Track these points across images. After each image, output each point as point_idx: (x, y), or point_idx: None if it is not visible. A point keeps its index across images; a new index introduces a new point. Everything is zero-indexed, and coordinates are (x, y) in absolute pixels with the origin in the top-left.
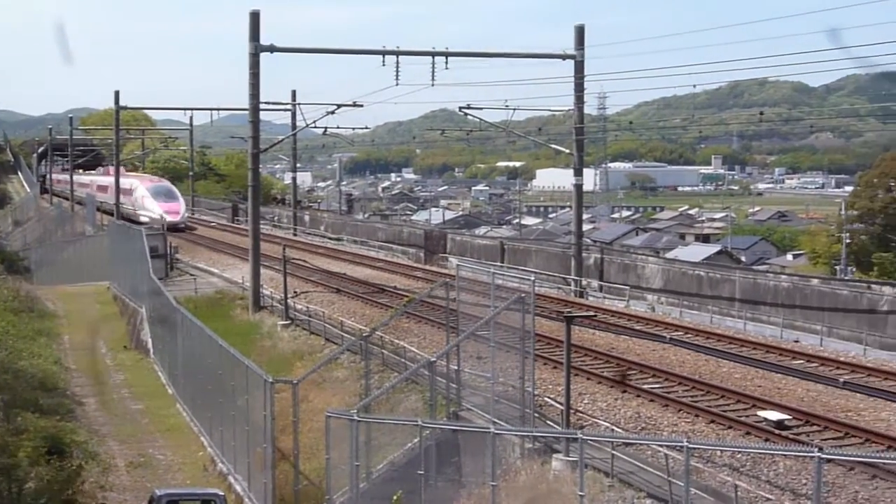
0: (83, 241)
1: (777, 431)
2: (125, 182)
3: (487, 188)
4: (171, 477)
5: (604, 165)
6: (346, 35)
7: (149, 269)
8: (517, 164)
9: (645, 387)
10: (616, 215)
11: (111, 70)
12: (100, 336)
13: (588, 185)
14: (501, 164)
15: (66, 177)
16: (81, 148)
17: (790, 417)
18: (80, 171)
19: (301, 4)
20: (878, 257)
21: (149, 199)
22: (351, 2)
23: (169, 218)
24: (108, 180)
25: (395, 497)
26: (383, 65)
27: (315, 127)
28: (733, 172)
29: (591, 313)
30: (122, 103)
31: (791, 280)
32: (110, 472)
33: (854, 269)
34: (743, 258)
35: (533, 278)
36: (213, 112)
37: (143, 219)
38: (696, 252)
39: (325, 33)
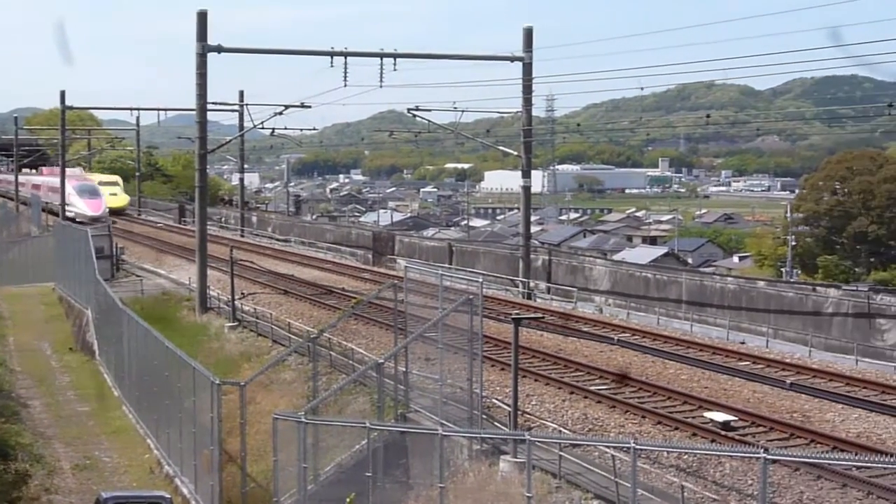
0: (28, 242)
1: (723, 432)
2: (55, 181)
3: (436, 190)
4: (118, 479)
5: (552, 167)
6: (294, 36)
7: (94, 270)
8: (465, 165)
9: (592, 388)
10: (564, 217)
11: (57, 69)
12: (45, 338)
13: (536, 187)
14: (450, 165)
15: (12, 177)
16: (27, 148)
17: (736, 419)
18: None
19: (249, 5)
20: (823, 260)
21: (75, 196)
22: (299, 3)
23: (91, 212)
24: (41, 179)
25: (348, 500)
26: (331, 66)
27: (263, 128)
28: (680, 175)
29: (539, 315)
30: (68, 103)
31: (737, 282)
32: (55, 474)
33: (799, 272)
34: (689, 260)
35: (481, 280)
36: (161, 112)
37: (69, 213)
38: (644, 254)
39: (273, 34)
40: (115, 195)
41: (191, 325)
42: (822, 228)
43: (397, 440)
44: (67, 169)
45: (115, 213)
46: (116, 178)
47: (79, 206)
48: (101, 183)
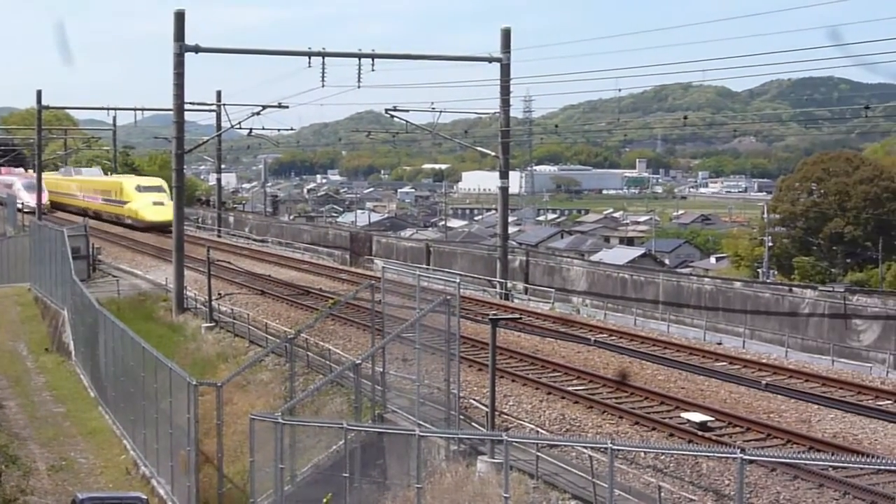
0: (3, 242)
1: (700, 433)
2: (7, 179)
3: (413, 190)
4: (94, 480)
5: (529, 168)
6: (272, 36)
7: (70, 271)
8: (443, 166)
9: (569, 388)
10: (541, 218)
11: (34, 69)
12: (20, 338)
13: (513, 187)
14: (427, 166)
15: None
16: (3, 148)
17: (713, 419)
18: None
19: (227, 4)
20: (799, 261)
21: (23, 192)
22: (277, 3)
23: (33, 203)
24: None
25: (325, 500)
26: (309, 66)
27: (240, 128)
28: (657, 176)
29: (517, 316)
30: (44, 103)
31: (714, 283)
32: (31, 475)
33: (776, 273)
34: (667, 261)
35: (458, 280)
36: (137, 112)
37: (18, 204)
38: (621, 255)
39: (251, 34)
40: (160, 204)
41: (167, 326)
42: (798, 229)
43: (374, 441)
44: (86, 169)
45: (160, 227)
46: (160, 182)
47: (25, 198)
48: (140, 188)
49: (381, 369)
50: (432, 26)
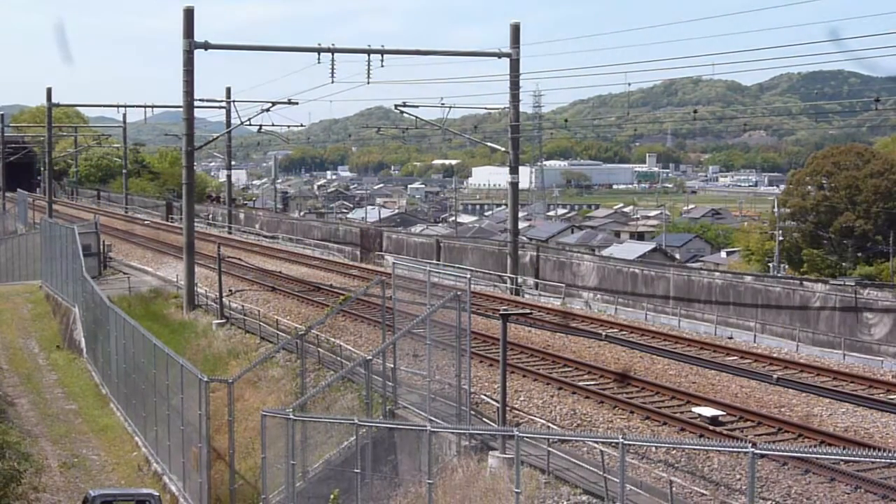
0: (14, 240)
1: (711, 427)
2: None
3: (423, 186)
4: (105, 477)
5: (539, 163)
6: (281, 32)
7: (81, 268)
8: (453, 161)
9: (580, 384)
10: (551, 213)
11: (44, 66)
12: (32, 336)
13: (524, 182)
14: (437, 161)
15: None
16: (13, 146)
17: (724, 413)
18: None
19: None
20: (808, 253)
21: None
22: None
23: None
24: None
25: (332, 496)
26: (318, 62)
27: (250, 124)
28: (667, 170)
29: (527, 311)
30: (54, 100)
31: (724, 277)
32: (43, 472)
33: (786, 266)
34: (677, 255)
35: (469, 276)
36: (148, 109)
37: None
38: (631, 249)
39: (260, 30)
40: None
41: (178, 323)
42: (808, 223)
43: (385, 437)
44: None
45: None
46: None
47: None
48: None
49: (392, 365)
50: (440, 22)
